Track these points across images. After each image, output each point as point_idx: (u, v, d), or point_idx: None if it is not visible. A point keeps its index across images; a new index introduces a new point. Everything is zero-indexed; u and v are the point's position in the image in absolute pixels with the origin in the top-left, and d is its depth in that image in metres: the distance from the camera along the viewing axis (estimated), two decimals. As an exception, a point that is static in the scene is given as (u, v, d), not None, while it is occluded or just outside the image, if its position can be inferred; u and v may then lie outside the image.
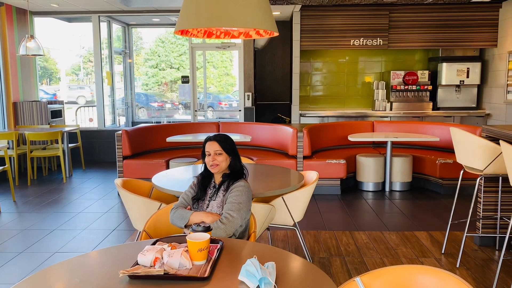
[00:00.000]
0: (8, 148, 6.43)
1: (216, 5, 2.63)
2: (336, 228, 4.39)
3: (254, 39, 8.15)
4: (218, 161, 2.39)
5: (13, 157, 6.39)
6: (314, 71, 8.39)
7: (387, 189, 5.82)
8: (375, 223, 4.57)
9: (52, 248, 3.91)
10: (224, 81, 16.31)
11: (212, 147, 2.41)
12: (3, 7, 6.89)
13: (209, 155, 2.40)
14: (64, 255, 3.75)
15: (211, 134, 2.52)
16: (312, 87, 8.45)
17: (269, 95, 8.89)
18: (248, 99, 7.72)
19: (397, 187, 5.84)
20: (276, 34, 3.14)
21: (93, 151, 7.99)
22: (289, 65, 8.46)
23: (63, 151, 6.65)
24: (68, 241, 4.08)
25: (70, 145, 7.11)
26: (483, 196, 3.76)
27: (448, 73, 7.62)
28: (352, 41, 7.55)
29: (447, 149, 6.06)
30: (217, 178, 2.45)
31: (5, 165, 5.34)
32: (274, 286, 1.52)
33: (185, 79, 8.07)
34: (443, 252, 3.76)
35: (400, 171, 5.78)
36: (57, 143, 6.68)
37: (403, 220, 4.68)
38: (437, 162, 5.67)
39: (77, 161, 7.66)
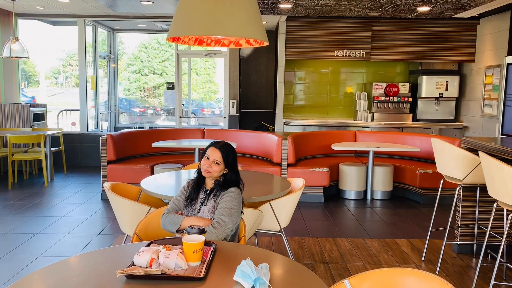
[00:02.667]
0: (-12, 151, 6.33)
1: (208, 13, 2.69)
2: (319, 235, 4.47)
3: (240, 48, 8.23)
4: (213, 169, 2.42)
5: (-6, 160, 6.28)
6: (298, 80, 8.53)
7: (368, 197, 5.95)
8: (357, 231, 4.67)
9: (35, 252, 3.87)
10: (207, 88, 16.34)
11: (214, 155, 2.43)
12: (-13, 8, 6.81)
13: (208, 159, 2.43)
14: (48, 259, 3.72)
15: (218, 140, 2.54)
16: (295, 96, 8.58)
17: (254, 103, 8.98)
18: (233, 106, 7.78)
19: (378, 195, 5.98)
20: (266, 43, 3.22)
21: (75, 155, 7.91)
22: (273, 74, 8.57)
23: (46, 154, 6.58)
24: (52, 245, 4.05)
25: (52, 148, 7.03)
26: (462, 205, 3.90)
27: (428, 86, 7.84)
28: (335, 52, 7.71)
29: (427, 160, 6.23)
30: (209, 183, 2.50)
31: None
32: (269, 286, 1.58)
33: (170, 85, 8.09)
34: (423, 259, 3.87)
35: (381, 180, 5.92)
36: (39, 146, 6.61)
37: (384, 228, 4.80)
38: (417, 172, 5.83)
39: (59, 165, 7.58)
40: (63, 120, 9.32)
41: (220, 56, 8.15)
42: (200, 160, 2.50)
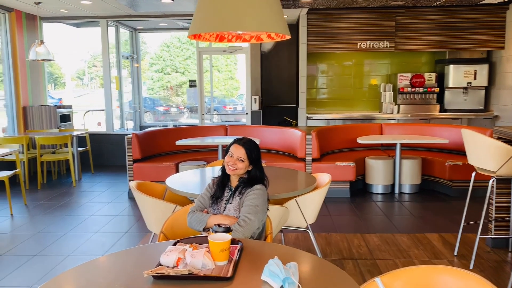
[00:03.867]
0: (18, 152, 6.48)
1: (229, 9, 2.66)
2: (347, 231, 4.40)
3: (261, 43, 8.19)
4: (237, 166, 2.38)
5: (24, 161, 6.43)
6: (320, 74, 8.41)
7: (396, 191, 5.82)
8: (385, 225, 4.57)
9: (65, 251, 3.93)
10: (228, 84, 16.36)
11: (237, 152, 2.39)
12: (13, 13, 6.96)
13: (231, 156, 2.40)
14: (77, 258, 3.77)
15: (241, 137, 2.51)
16: (318, 90, 8.47)
17: (276, 98, 8.92)
18: (255, 102, 7.74)
19: (406, 189, 5.84)
20: (288, 37, 3.16)
21: (102, 155, 8.03)
22: (295, 68, 8.48)
23: (73, 155, 6.69)
24: (81, 244, 4.11)
25: (79, 149, 7.15)
26: (496, 198, 3.76)
27: (455, 75, 7.62)
28: (359, 44, 7.57)
29: (456, 151, 6.05)
30: (233, 181, 2.46)
31: (16, 169, 5.38)
32: (298, 286, 1.54)
33: (192, 83, 8.10)
34: (455, 254, 3.76)
35: (409, 174, 5.78)
36: (67, 147, 6.73)
37: (413, 222, 4.68)
38: (446, 164, 5.67)
39: (86, 164, 7.70)
40: (89, 120, 9.47)
41: (241, 52, 8.11)
42: (223, 158, 2.46)
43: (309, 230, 3.35)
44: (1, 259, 3.76)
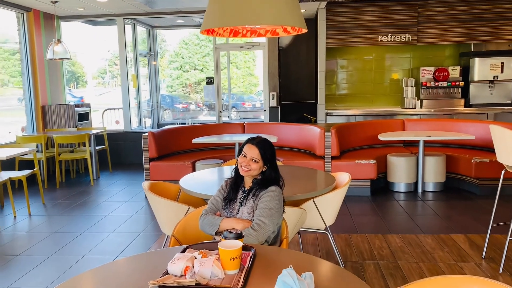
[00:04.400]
0: (37, 151, 6.51)
1: (242, 3, 2.54)
2: (368, 231, 4.24)
3: (278, 38, 8.04)
4: (251, 167, 2.27)
5: (42, 160, 6.46)
6: (340, 69, 8.22)
7: (419, 189, 5.62)
8: (408, 226, 4.39)
9: (80, 252, 3.89)
10: (247, 81, 16.24)
11: (251, 152, 2.28)
12: (31, 13, 6.98)
13: (245, 157, 2.29)
14: (92, 259, 3.73)
15: (254, 136, 2.39)
16: (338, 86, 8.29)
17: (294, 94, 8.76)
18: (273, 99, 7.61)
19: (430, 187, 5.63)
20: (304, 30, 3.02)
21: (120, 153, 8.03)
22: (314, 64, 8.31)
23: (90, 153, 6.69)
24: (96, 245, 4.06)
25: (97, 147, 7.15)
26: (526, 197, 3.55)
27: (481, 68, 7.33)
28: (379, 37, 7.36)
29: (483, 148, 5.81)
30: (247, 182, 2.35)
31: (34, 168, 5.39)
32: (314, 299, 1.42)
33: (209, 80, 8.02)
34: (483, 256, 3.57)
35: (433, 171, 5.57)
36: (85, 145, 6.73)
37: (438, 222, 4.49)
38: (472, 161, 5.44)
39: (104, 163, 7.71)
40: (108, 119, 9.49)
41: (258, 48, 7.98)
42: (236, 158, 2.35)
43: (328, 232, 3.22)
44: (17, 260, 3.74)
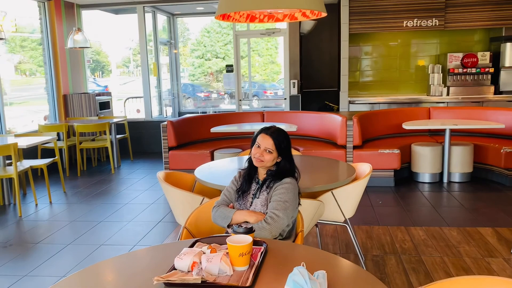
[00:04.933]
0: (58, 140, 6.58)
1: (259, -15, 2.43)
2: (390, 223, 4.10)
3: (299, 24, 7.85)
4: (265, 158, 2.17)
5: (64, 149, 6.52)
6: (363, 55, 7.99)
7: (445, 180, 5.42)
8: (433, 218, 4.23)
9: (98, 241, 3.90)
10: (269, 69, 16.07)
11: (265, 143, 2.18)
12: (52, 2, 7.01)
13: (259, 147, 2.19)
14: (109, 248, 3.72)
15: (268, 126, 2.29)
16: (361, 73, 8.07)
17: (316, 82, 8.58)
18: (294, 86, 7.46)
19: (456, 178, 5.43)
20: (324, 14, 2.89)
21: (141, 142, 8.05)
22: (337, 50, 8.10)
23: (111, 142, 6.72)
24: (114, 233, 4.06)
25: (118, 136, 7.18)
26: (560, 190, 3.35)
27: (513, 53, 6.99)
28: (405, 22, 7.10)
29: (513, 137, 5.56)
30: (261, 173, 2.26)
31: (55, 156, 5.43)
32: (326, 301, 1.32)
33: (229, 68, 7.92)
34: (512, 251, 3.40)
35: (459, 161, 5.36)
36: (106, 134, 6.76)
37: (464, 215, 4.31)
38: (502, 151, 5.20)
39: (126, 151, 7.75)
40: (129, 107, 9.52)
41: (279, 34, 7.82)
42: (250, 149, 2.26)
43: (347, 224, 3.11)
44: (36, 248, 3.77)
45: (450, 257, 3.33)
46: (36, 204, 5.02)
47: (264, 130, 2.23)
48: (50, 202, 5.11)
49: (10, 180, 5.15)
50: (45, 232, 4.14)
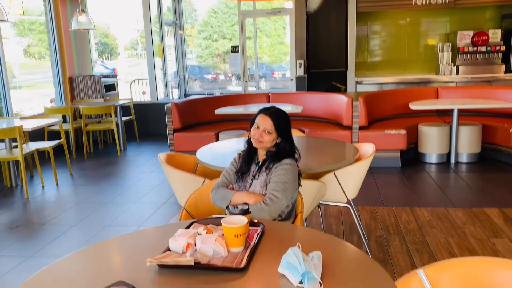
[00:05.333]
0: (65, 123, 6.60)
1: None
2: (395, 204, 4.07)
3: (306, 2, 7.71)
4: (264, 139, 2.14)
5: (70, 131, 6.54)
6: (372, 35, 7.85)
7: (452, 161, 5.35)
8: (439, 199, 4.19)
9: (103, 222, 3.93)
10: (277, 50, 15.89)
11: (264, 123, 2.15)
12: (55, -17, 6.95)
13: (258, 128, 2.16)
14: (113, 229, 3.75)
15: (268, 105, 2.26)
16: (369, 53, 7.94)
17: (323, 62, 8.46)
18: (300, 67, 7.37)
19: (463, 158, 5.36)
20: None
21: (147, 124, 8.05)
22: (344, 30, 7.96)
23: (117, 124, 6.73)
24: (119, 215, 4.09)
25: (124, 118, 7.18)
26: None
27: (525, 31, 6.82)
28: (413, 0, 6.93)
29: (523, 117, 5.45)
30: (261, 154, 2.23)
31: (61, 139, 5.45)
32: (320, 283, 1.30)
33: (235, 49, 7.84)
34: (518, 232, 3.35)
35: (467, 141, 5.28)
36: (111, 116, 6.76)
37: (471, 195, 4.27)
38: (511, 130, 5.11)
39: (132, 134, 7.76)
40: (135, 89, 9.51)
41: (285, 14, 7.70)
42: (249, 130, 2.23)
43: (350, 205, 3.08)
44: (42, 229, 3.81)
45: (455, 238, 3.30)
46: (43, 186, 5.07)
47: (263, 111, 2.19)
48: (57, 184, 5.15)
49: (17, 162, 5.19)
50: (51, 214, 4.18)
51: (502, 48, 6.99)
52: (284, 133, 2.18)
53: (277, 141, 2.18)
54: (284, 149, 2.18)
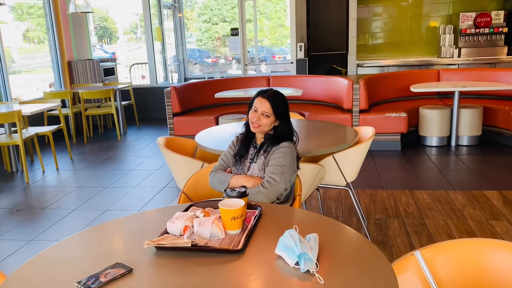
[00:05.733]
0: (64, 107, 6.59)
1: None
2: (394, 187, 4.07)
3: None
4: (262, 122, 2.13)
5: (70, 116, 6.53)
6: (373, 16, 7.77)
7: (453, 144, 5.34)
8: (438, 182, 4.19)
9: (103, 206, 3.94)
10: (278, 33, 15.74)
11: (262, 106, 2.13)
12: (52, -35, 6.85)
13: (256, 111, 2.15)
14: (113, 213, 3.77)
15: (265, 89, 2.24)
16: (371, 35, 7.86)
17: (324, 45, 8.37)
18: (301, 50, 7.31)
19: (464, 141, 5.34)
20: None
21: (147, 108, 8.03)
22: (345, 12, 7.86)
23: (116, 108, 6.71)
24: (119, 199, 4.10)
25: (123, 102, 7.16)
26: None
27: (528, 12, 6.73)
28: (415, -20, 6.83)
29: (525, 99, 5.42)
30: (259, 138, 2.22)
31: (61, 123, 5.44)
32: (316, 264, 1.30)
33: (234, 32, 7.77)
34: (517, 214, 3.36)
35: (468, 124, 5.26)
36: (111, 101, 6.74)
37: (471, 178, 4.27)
38: (512, 113, 5.09)
39: (132, 118, 7.75)
40: (135, 74, 9.45)
41: (285, -4, 7.59)
42: (247, 113, 2.21)
43: (349, 188, 3.08)
44: (43, 213, 3.83)
45: (454, 220, 3.31)
46: (43, 171, 5.08)
47: (261, 94, 2.17)
48: (57, 168, 5.16)
49: (17, 147, 5.19)
50: (52, 198, 4.20)
51: (505, 30, 6.91)
52: (282, 115, 2.17)
53: (276, 124, 2.17)
54: (282, 132, 2.17)
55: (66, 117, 6.68)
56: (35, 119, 6.05)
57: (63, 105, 6.62)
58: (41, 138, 6.13)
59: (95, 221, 3.61)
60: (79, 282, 1.25)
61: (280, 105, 2.15)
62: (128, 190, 4.34)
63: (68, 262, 1.44)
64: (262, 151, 2.17)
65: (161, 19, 8.22)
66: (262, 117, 2.13)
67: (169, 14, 8.94)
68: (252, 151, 2.22)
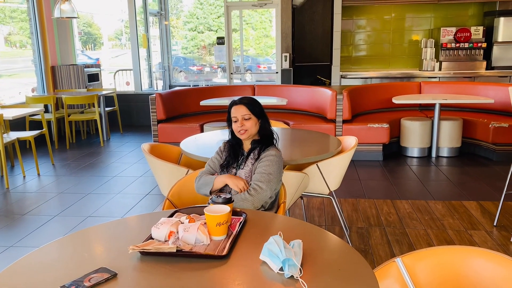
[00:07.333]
0: (47, 112, 6.51)
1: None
2: (376, 197, 4.13)
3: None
4: (247, 126, 2.17)
5: (52, 121, 6.45)
6: (357, 29, 7.90)
7: (433, 155, 5.45)
8: (419, 192, 4.27)
9: (85, 212, 3.90)
10: (263, 43, 15.87)
11: (239, 112, 2.18)
12: (38, -31, 6.80)
13: (236, 121, 2.18)
14: (96, 219, 3.73)
15: (236, 98, 2.29)
16: (354, 47, 7.99)
17: (308, 56, 8.48)
18: (286, 60, 7.39)
19: (444, 152, 5.45)
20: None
21: (131, 115, 7.99)
22: (329, 24, 7.99)
23: (100, 114, 6.66)
24: (101, 206, 4.06)
25: (107, 108, 7.11)
26: (545, 164, 3.37)
27: (506, 28, 6.95)
28: (398, -5, 6.99)
29: (502, 112, 5.57)
30: (246, 145, 2.25)
31: (43, 129, 5.37)
32: (300, 269, 1.33)
33: (220, 40, 7.81)
34: (495, 224, 3.44)
35: (448, 136, 5.38)
36: (94, 107, 6.69)
37: (450, 189, 4.35)
38: (490, 126, 5.22)
39: (115, 124, 7.69)
40: (119, 80, 9.40)
41: (271, 6, 7.69)
42: (229, 128, 2.25)
43: (332, 197, 3.12)
44: (23, 219, 3.77)
45: (434, 230, 3.38)
46: (24, 176, 5.00)
47: (232, 104, 2.25)
48: (38, 174, 5.08)
49: (-3, 152, 5.10)
50: (32, 204, 4.13)
51: (484, 45, 7.11)
52: (260, 113, 2.23)
53: (259, 124, 2.21)
54: (266, 131, 2.22)
55: (49, 122, 6.59)
56: (17, 124, 5.96)
57: (46, 110, 6.54)
58: (22, 143, 6.04)
59: (77, 227, 3.57)
60: (62, 286, 1.25)
61: (255, 105, 2.21)
62: (111, 196, 4.31)
63: (52, 267, 1.44)
64: (250, 158, 2.19)
65: (147, 26, 8.22)
66: (244, 122, 2.17)
67: (155, 22, 8.95)
68: (239, 158, 2.25)
